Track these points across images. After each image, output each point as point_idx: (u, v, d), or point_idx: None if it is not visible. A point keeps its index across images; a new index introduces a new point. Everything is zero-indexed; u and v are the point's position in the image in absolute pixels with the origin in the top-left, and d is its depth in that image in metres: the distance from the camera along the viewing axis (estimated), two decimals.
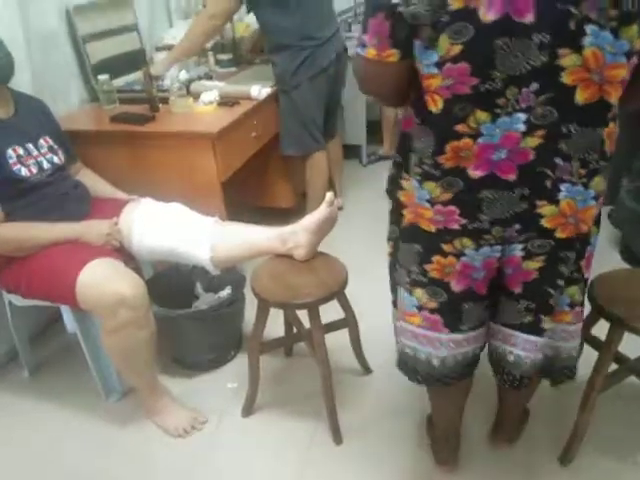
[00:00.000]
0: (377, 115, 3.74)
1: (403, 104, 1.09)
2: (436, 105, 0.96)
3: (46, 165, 1.59)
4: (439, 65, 0.91)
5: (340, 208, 2.95)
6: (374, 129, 3.69)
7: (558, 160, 0.96)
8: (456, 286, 1.12)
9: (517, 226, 1.02)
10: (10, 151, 1.50)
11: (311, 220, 1.59)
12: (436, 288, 1.13)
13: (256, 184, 2.74)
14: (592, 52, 0.86)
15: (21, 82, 1.84)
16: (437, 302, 1.15)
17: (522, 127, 0.93)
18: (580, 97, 0.90)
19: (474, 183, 0.99)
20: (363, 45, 0.96)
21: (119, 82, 2.31)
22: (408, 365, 1.25)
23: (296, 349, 1.93)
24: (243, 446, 1.60)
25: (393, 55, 0.94)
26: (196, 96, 2.15)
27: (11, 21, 1.85)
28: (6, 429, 1.71)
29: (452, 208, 1.03)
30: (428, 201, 1.05)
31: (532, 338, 1.16)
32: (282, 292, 1.48)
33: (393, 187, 1.17)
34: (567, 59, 0.87)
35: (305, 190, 2.65)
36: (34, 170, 1.55)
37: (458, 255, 1.08)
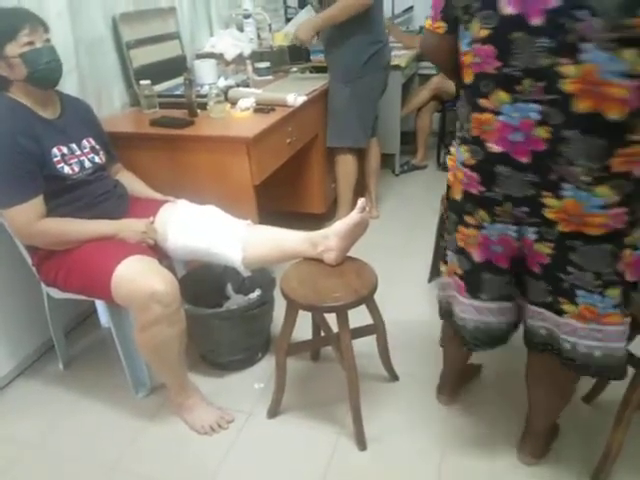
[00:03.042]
0: (411, 126, 3.75)
1: (454, 77, 1.22)
2: (469, 77, 1.10)
3: (87, 164, 1.65)
4: (471, 44, 1.06)
5: (376, 217, 2.96)
6: (407, 139, 3.70)
7: (562, 161, 1.03)
8: (477, 257, 1.23)
9: (525, 208, 1.11)
10: (55, 150, 1.56)
11: (342, 225, 1.60)
12: (461, 256, 1.27)
13: (289, 190, 2.77)
14: (588, 68, 0.93)
15: (69, 85, 1.93)
16: (462, 270, 1.28)
17: (536, 116, 1.01)
18: (579, 106, 0.97)
19: (492, 156, 1.10)
20: (427, 17, 1.17)
21: (160, 87, 2.38)
22: (443, 311, 1.42)
23: (323, 354, 1.93)
24: (267, 447, 1.61)
25: (441, 28, 1.13)
26: (233, 102, 2.20)
27: (64, 29, 1.95)
28: (40, 419, 1.76)
29: (474, 174, 1.16)
30: (462, 163, 1.19)
31: (554, 316, 1.20)
32: (311, 295, 1.49)
33: (447, 154, 1.34)
34: (566, 68, 0.95)
35: (337, 182, 2.78)
36: (76, 169, 1.61)
37: (478, 227, 1.20)
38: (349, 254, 1.64)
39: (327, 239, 1.60)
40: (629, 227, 1.09)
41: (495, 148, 1.09)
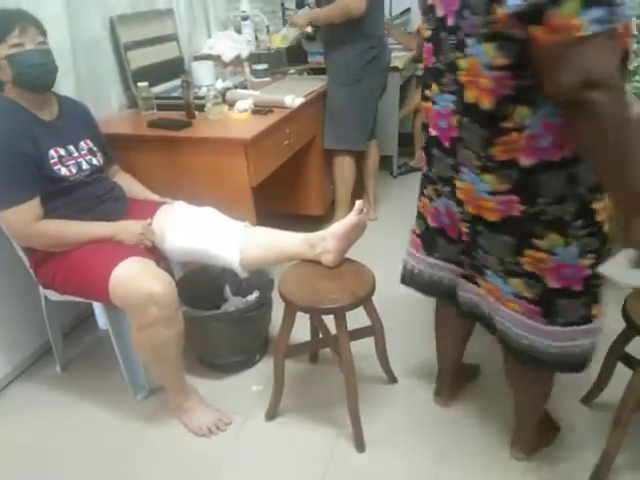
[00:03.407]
0: (409, 128, 3.75)
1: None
2: (423, 70, 1.25)
3: (85, 166, 1.65)
4: (426, 42, 1.19)
5: (374, 219, 2.96)
6: (405, 141, 3.70)
7: (461, 145, 1.14)
8: (431, 222, 1.37)
9: (448, 188, 1.24)
10: (52, 151, 1.55)
11: (340, 227, 1.60)
12: (420, 220, 1.43)
13: (287, 191, 2.77)
14: (472, 61, 1.03)
15: (66, 87, 1.93)
16: (420, 230, 1.44)
17: (452, 106, 1.14)
18: (467, 96, 1.08)
19: (430, 140, 1.25)
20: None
21: (158, 89, 2.38)
22: (404, 276, 1.53)
23: (321, 355, 1.93)
24: (265, 450, 1.61)
25: (423, 28, 1.21)
26: (231, 104, 2.20)
27: (61, 31, 1.94)
28: (38, 422, 1.75)
29: (424, 155, 1.33)
30: (423, 147, 1.34)
31: (474, 287, 1.34)
32: (309, 296, 1.49)
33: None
34: (460, 61, 1.06)
35: (334, 186, 2.77)
36: (73, 170, 1.60)
37: (430, 199, 1.34)
38: (347, 255, 1.64)
39: (325, 241, 1.60)
40: (530, 220, 1.11)
41: (433, 132, 1.23)
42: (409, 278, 1.51)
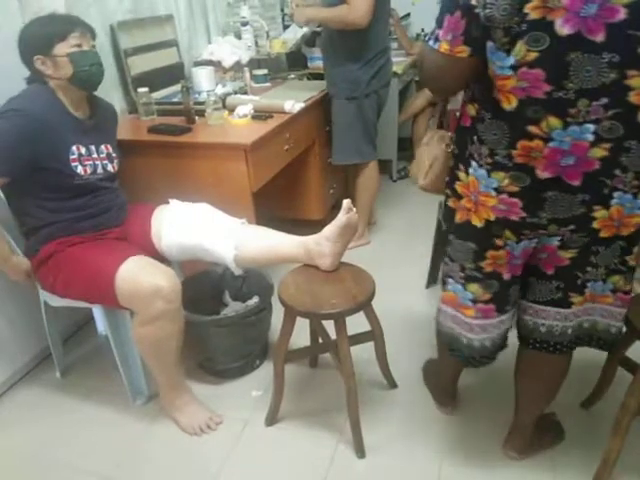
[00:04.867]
0: (408, 132, 3.76)
1: (453, 96, 1.22)
2: (510, 103, 1.02)
3: (100, 170, 1.66)
4: (514, 68, 0.98)
5: (373, 223, 2.96)
6: (405, 146, 3.71)
7: (617, 171, 1.03)
8: (506, 275, 1.25)
9: (571, 226, 1.12)
10: (74, 147, 1.58)
11: (331, 229, 1.61)
12: (491, 281, 1.26)
13: (287, 196, 2.77)
14: None
15: None
16: (491, 293, 1.27)
17: (591, 137, 0.99)
18: None
19: (540, 183, 1.07)
20: (436, 39, 1.04)
21: (158, 95, 2.38)
22: (451, 345, 1.39)
23: (321, 360, 1.93)
24: (265, 455, 1.60)
25: (464, 51, 1.02)
26: (231, 109, 2.20)
27: None
28: (37, 428, 1.75)
29: (516, 200, 1.11)
30: (495, 189, 1.12)
31: (561, 310, 1.27)
32: (308, 301, 1.49)
33: (450, 179, 1.26)
34: (635, 80, 0.92)
35: (355, 198, 2.65)
36: (88, 170, 1.62)
37: (504, 247, 1.21)
38: (346, 260, 1.64)
39: (320, 245, 1.61)
40: None
41: (545, 174, 1.06)
42: (481, 356, 1.35)
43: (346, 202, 1.58)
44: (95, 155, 1.66)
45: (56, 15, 1.57)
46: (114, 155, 1.74)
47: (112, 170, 1.72)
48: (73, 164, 1.58)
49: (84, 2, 2.08)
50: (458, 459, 1.55)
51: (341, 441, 1.62)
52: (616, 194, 1.06)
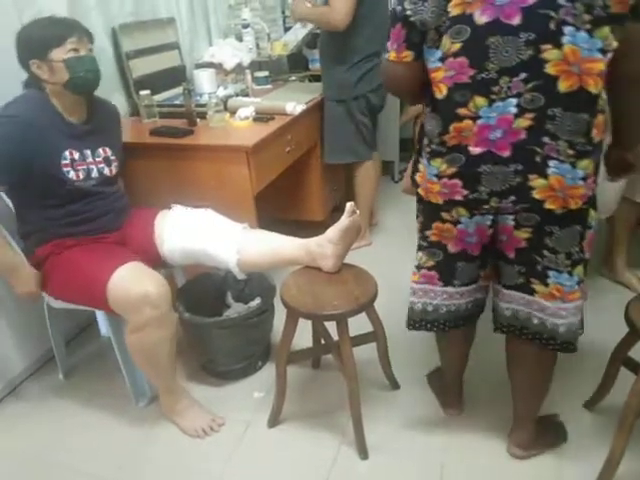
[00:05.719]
0: (409, 133, 3.76)
1: (420, 101, 1.30)
2: (441, 92, 1.15)
3: (95, 174, 1.65)
4: (442, 60, 1.12)
5: (375, 224, 2.96)
6: (406, 146, 3.71)
7: (546, 139, 1.10)
8: (452, 248, 1.32)
9: (512, 197, 1.17)
10: (66, 152, 1.57)
11: (334, 231, 1.61)
12: (434, 249, 1.35)
13: (288, 197, 2.78)
14: (570, 48, 1.02)
15: None
16: (435, 261, 1.37)
17: (514, 110, 1.09)
18: (562, 86, 1.06)
19: (474, 158, 1.16)
20: (386, 51, 1.20)
21: (160, 97, 2.39)
22: (411, 318, 1.47)
23: (323, 361, 1.93)
24: (268, 457, 1.60)
25: (409, 56, 1.17)
26: (233, 111, 2.21)
27: None
28: (40, 430, 1.75)
29: (456, 181, 1.20)
30: (436, 175, 1.23)
31: (525, 296, 1.31)
32: (311, 303, 1.49)
33: (413, 171, 1.36)
34: (549, 53, 1.04)
35: (355, 199, 2.64)
36: (81, 176, 1.61)
37: (454, 223, 1.27)
38: (349, 261, 1.64)
39: (322, 247, 1.61)
40: (594, 197, 1.21)
41: (477, 150, 1.15)
42: (421, 319, 1.45)
43: (349, 205, 1.59)
44: (90, 159, 1.64)
45: (54, 19, 1.56)
46: (112, 158, 1.72)
47: (108, 174, 1.70)
48: (65, 169, 1.57)
49: (86, 5, 2.09)
50: (461, 460, 1.55)
51: (343, 442, 1.62)
52: (552, 163, 1.12)
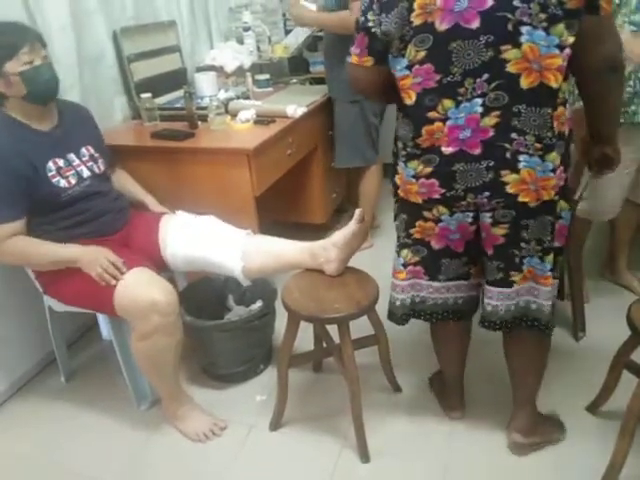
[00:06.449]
0: None
1: (385, 102, 1.41)
2: (411, 98, 1.21)
3: (86, 174, 1.64)
4: (409, 67, 1.18)
5: (377, 226, 2.95)
6: None
7: (514, 135, 1.16)
8: (436, 245, 1.36)
9: (487, 193, 1.22)
10: (50, 164, 1.55)
11: (340, 236, 1.61)
12: (418, 246, 1.39)
13: (289, 200, 2.78)
14: (529, 47, 1.08)
15: (71, 98, 1.94)
16: (419, 257, 1.40)
17: (480, 109, 1.15)
18: (524, 82, 1.11)
19: (447, 158, 1.21)
20: (349, 54, 1.29)
21: (161, 100, 2.39)
22: (396, 315, 1.49)
23: (325, 365, 1.93)
24: (270, 460, 1.60)
25: (369, 61, 1.25)
26: (234, 114, 2.21)
27: (67, 43, 1.96)
28: (42, 433, 1.75)
29: (433, 181, 1.25)
30: (413, 177, 1.28)
31: (504, 290, 1.35)
32: (312, 306, 1.49)
33: (393, 173, 1.39)
34: (509, 53, 1.09)
35: (358, 202, 2.67)
36: (73, 181, 1.59)
37: (436, 221, 1.32)
38: (350, 264, 1.64)
39: (326, 250, 1.60)
40: (565, 188, 1.27)
41: (449, 150, 1.20)
42: (408, 310, 1.47)
43: (359, 211, 1.61)
44: (77, 162, 1.62)
45: (2, 29, 1.46)
46: (97, 155, 1.70)
47: (98, 171, 1.68)
48: (54, 180, 1.54)
49: (87, 9, 2.09)
50: (464, 464, 1.55)
51: (345, 445, 1.62)
52: (522, 157, 1.17)
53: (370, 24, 1.19)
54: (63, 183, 1.57)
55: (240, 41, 2.90)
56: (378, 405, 1.75)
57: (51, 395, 1.90)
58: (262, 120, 2.17)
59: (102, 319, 1.87)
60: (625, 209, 2.05)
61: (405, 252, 1.42)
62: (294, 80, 3.03)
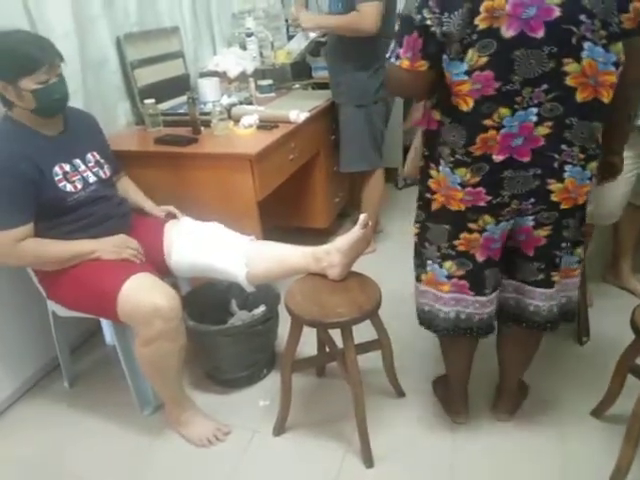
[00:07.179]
0: (413, 140, 3.76)
1: (419, 100, 1.36)
2: (467, 105, 1.17)
3: (92, 179, 1.65)
4: (468, 73, 1.13)
5: (380, 231, 2.95)
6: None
7: (563, 146, 1.19)
8: (480, 257, 1.35)
9: (532, 200, 1.25)
10: (56, 168, 1.56)
11: (344, 241, 1.61)
12: (463, 259, 1.37)
13: (292, 205, 2.78)
14: (588, 62, 1.10)
15: (75, 104, 1.91)
16: (464, 271, 1.38)
17: (534, 118, 1.16)
18: (579, 96, 1.13)
19: (497, 166, 1.21)
20: (397, 57, 1.20)
21: (164, 106, 2.40)
22: (430, 322, 1.49)
23: (328, 369, 1.92)
24: (273, 465, 1.60)
25: (423, 65, 1.18)
26: (237, 120, 2.21)
27: (71, 49, 1.97)
28: (45, 438, 1.75)
29: (480, 189, 1.25)
30: (460, 184, 1.27)
31: (546, 291, 1.39)
32: (315, 310, 1.49)
33: (423, 177, 1.38)
34: (570, 66, 1.10)
35: (361, 206, 2.68)
36: (79, 186, 1.60)
37: (480, 231, 1.31)
38: (353, 269, 1.64)
39: (330, 255, 1.60)
40: None
41: (499, 157, 1.20)
42: (451, 325, 1.44)
43: (363, 217, 1.60)
44: (82, 167, 1.64)
45: (28, 41, 1.47)
46: (103, 161, 1.71)
47: (104, 176, 1.70)
48: (60, 185, 1.55)
49: (90, 15, 2.10)
50: (468, 468, 1.54)
51: (349, 450, 1.62)
52: (567, 167, 1.21)
53: (428, 22, 1.11)
54: (69, 187, 1.58)
55: (243, 47, 2.91)
56: (382, 410, 1.75)
57: (55, 400, 1.90)
58: (265, 125, 2.17)
59: (105, 324, 1.87)
60: (627, 213, 2.05)
61: (449, 264, 1.39)
62: (297, 85, 3.04)
